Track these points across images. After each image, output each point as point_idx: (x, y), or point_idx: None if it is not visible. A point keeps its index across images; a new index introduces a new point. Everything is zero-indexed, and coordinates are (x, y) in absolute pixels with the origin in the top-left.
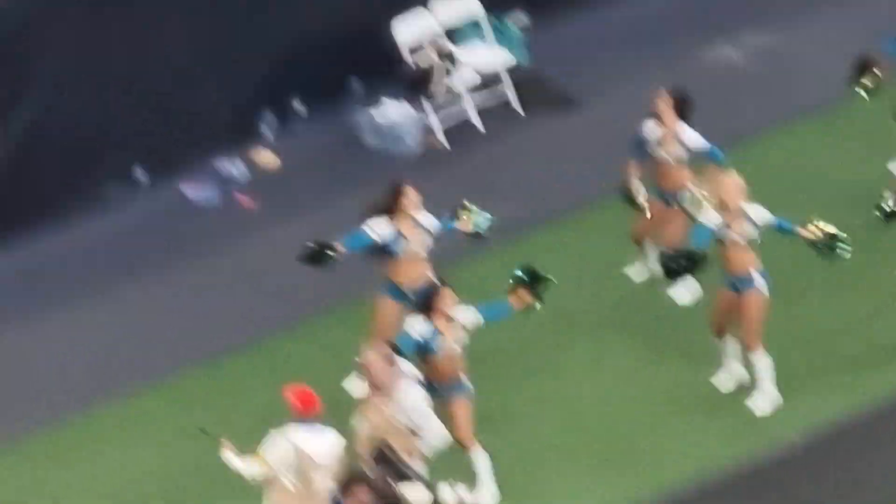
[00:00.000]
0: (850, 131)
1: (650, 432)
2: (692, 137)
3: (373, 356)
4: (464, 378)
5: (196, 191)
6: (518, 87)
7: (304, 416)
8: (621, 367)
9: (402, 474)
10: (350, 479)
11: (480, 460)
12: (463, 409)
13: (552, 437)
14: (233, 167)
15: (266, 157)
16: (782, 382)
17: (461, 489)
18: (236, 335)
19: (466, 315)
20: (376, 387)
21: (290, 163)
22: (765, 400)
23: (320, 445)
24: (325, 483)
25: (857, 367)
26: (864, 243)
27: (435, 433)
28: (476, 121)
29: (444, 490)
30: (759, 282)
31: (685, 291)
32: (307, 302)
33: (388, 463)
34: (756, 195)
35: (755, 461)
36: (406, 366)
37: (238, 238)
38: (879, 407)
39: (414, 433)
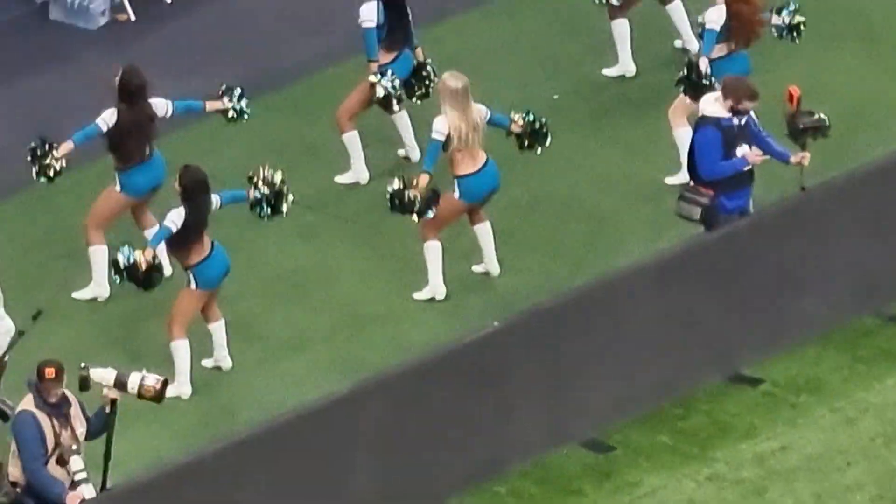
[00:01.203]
0: (549, 4)
1: None
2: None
3: None
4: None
5: None
6: None
7: None
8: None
9: None
10: None
11: (179, 353)
12: (180, 297)
13: None
14: None
15: None
16: None
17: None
18: None
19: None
20: None
21: None
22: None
23: None
24: None
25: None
26: (569, 117)
27: None
28: None
29: (134, 376)
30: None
31: None
32: None
33: None
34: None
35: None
36: None
37: None
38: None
39: None
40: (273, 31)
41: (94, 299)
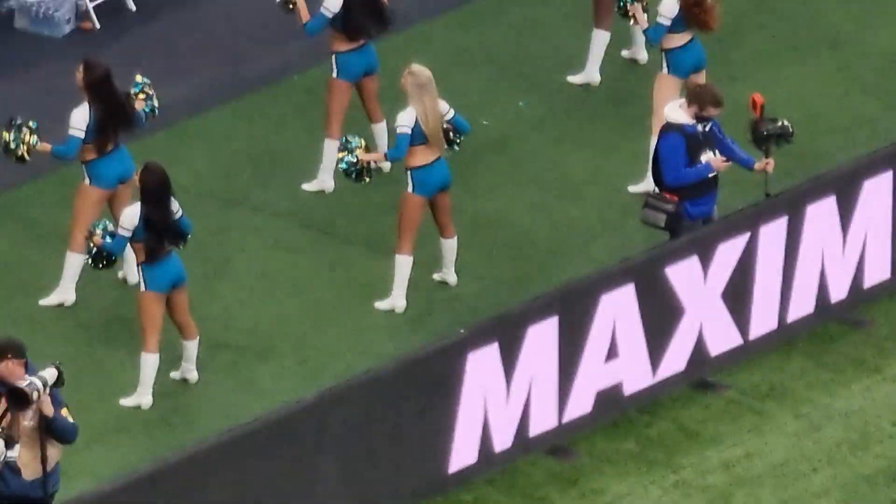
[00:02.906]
0: (515, 12)
1: None
2: None
3: None
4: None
5: None
6: None
7: None
8: None
9: None
10: None
11: (147, 365)
12: (138, 302)
13: None
14: None
15: None
16: None
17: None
18: None
19: None
20: None
21: None
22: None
23: None
24: None
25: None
26: (535, 125)
27: None
28: None
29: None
30: None
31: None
32: None
33: None
34: None
35: None
36: None
37: None
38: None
39: None
40: (236, 40)
41: (61, 304)
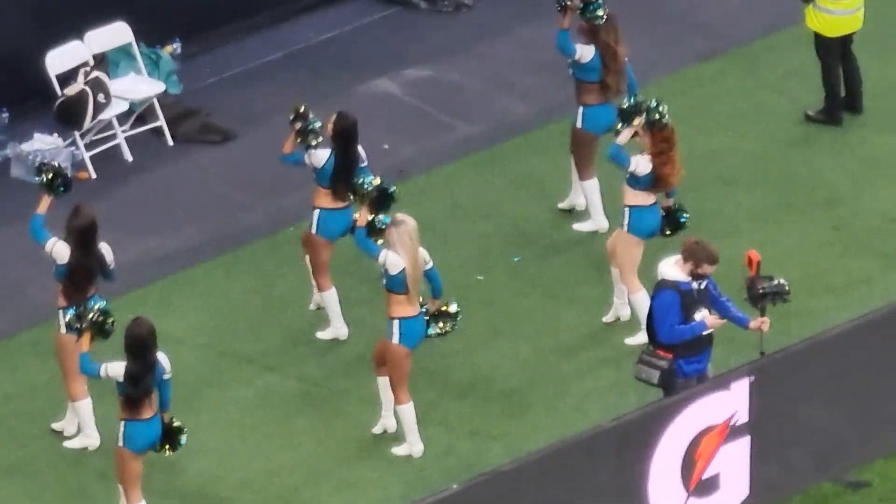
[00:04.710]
0: (512, 167)
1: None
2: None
3: None
4: None
5: None
6: (168, 116)
7: None
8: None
9: None
10: None
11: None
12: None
13: None
14: None
15: None
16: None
17: None
18: None
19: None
20: None
21: None
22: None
23: None
24: None
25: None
26: (529, 280)
27: None
28: (125, 150)
29: None
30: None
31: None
32: None
33: None
34: (422, 231)
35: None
36: None
37: None
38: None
39: None
40: (232, 191)
41: (85, 448)
